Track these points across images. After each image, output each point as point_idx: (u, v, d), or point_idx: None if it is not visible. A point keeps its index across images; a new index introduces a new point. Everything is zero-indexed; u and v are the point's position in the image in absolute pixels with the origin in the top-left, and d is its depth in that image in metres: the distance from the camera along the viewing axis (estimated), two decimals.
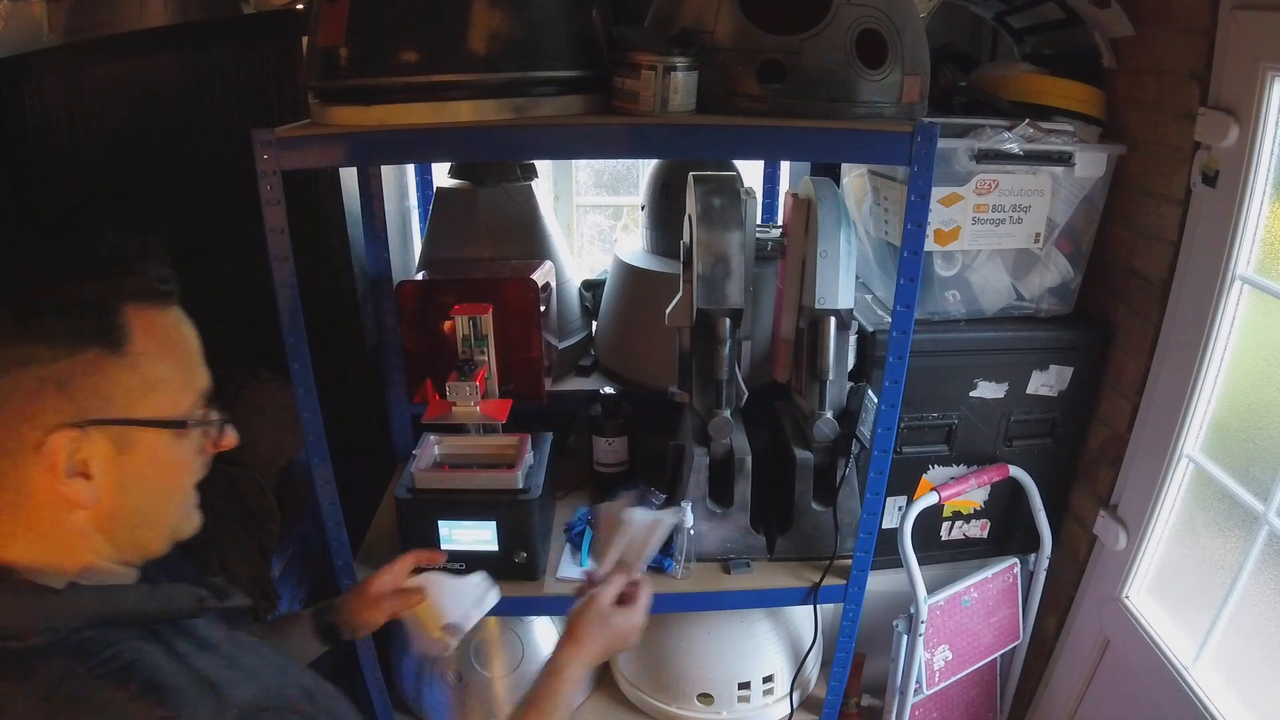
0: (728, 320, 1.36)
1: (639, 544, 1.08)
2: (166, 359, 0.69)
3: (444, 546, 1.38)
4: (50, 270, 0.65)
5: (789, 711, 1.62)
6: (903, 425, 1.55)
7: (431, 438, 1.47)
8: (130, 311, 0.67)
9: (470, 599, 1.09)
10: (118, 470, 0.67)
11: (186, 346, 0.72)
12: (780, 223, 1.71)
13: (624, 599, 1.05)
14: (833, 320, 1.37)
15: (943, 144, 1.21)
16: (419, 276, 1.70)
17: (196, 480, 0.75)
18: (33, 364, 0.62)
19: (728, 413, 1.40)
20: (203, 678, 0.65)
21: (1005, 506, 1.72)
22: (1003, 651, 1.79)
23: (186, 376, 0.71)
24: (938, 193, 1.43)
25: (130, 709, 0.61)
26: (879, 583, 1.62)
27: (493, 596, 1.11)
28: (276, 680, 0.72)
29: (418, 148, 1.26)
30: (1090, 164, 1.49)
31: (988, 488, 1.67)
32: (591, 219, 2.45)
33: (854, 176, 1.74)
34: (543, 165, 1.99)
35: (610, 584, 1.05)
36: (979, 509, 1.71)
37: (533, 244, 1.80)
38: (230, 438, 0.77)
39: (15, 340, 0.62)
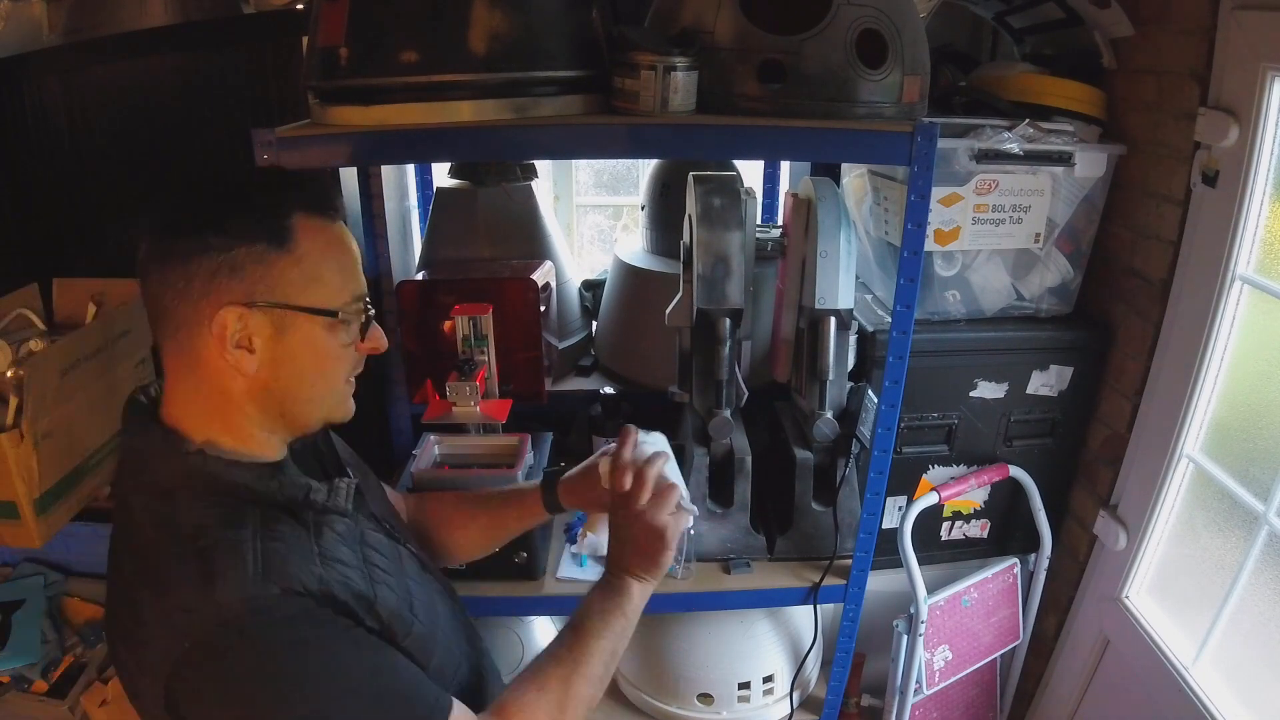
0: (728, 320, 1.36)
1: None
2: (326, 261, 0.81)
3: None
4: (234, 180, 0.82)
5: (789, 711, 1.62)
6: (903, 425, 1.55)
7: (431, 438, 1.47)
8: (299, 218, 0.79)
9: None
10: (275, 348, 0.79)
11: (346, 255, 0.83)
12: (780, 223, 1.71)
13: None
14: (833, 320, 1.37)
15: (943, 144, 1.21)
16: (419, 276, 1.70)
17: (348, 373, 0.86)
18: (213, 251, 0.76)
19: (728, 413, 1.40)
20: (268, 550, 0.74)
21: (1005, 506, 1.72)
22: (1003, 651, 1.80)
23: (343, 279, 0.82)
24: (938, 193, 1.43)
25: (184, 559, 0.73)
26: (879, 583, 1.61)
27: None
28: (354, 578, 0.80)
29: (418, 148, 1.26)
30: (1090, 164, 1.49)
31: (988, 488, 1.67)
32: (591, 219, 2.45)
33: (854, 176, 1.74)
34: (543, 165, 1.99)
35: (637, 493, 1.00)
36: (979, 509, 1.71)
37: (533, 244, 1.80)
38: (377, 339, 0.88)
39: (201, 231, 0.76)
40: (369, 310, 0.86)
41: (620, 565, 0.99)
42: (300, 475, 0.83)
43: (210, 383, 0.79)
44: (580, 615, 0.96)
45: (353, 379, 0.88)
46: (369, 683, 0.76)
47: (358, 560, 0.83)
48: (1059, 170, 1.48)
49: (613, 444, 1.05)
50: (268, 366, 0.79)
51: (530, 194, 1.83)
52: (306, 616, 0.73)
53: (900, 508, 1.64)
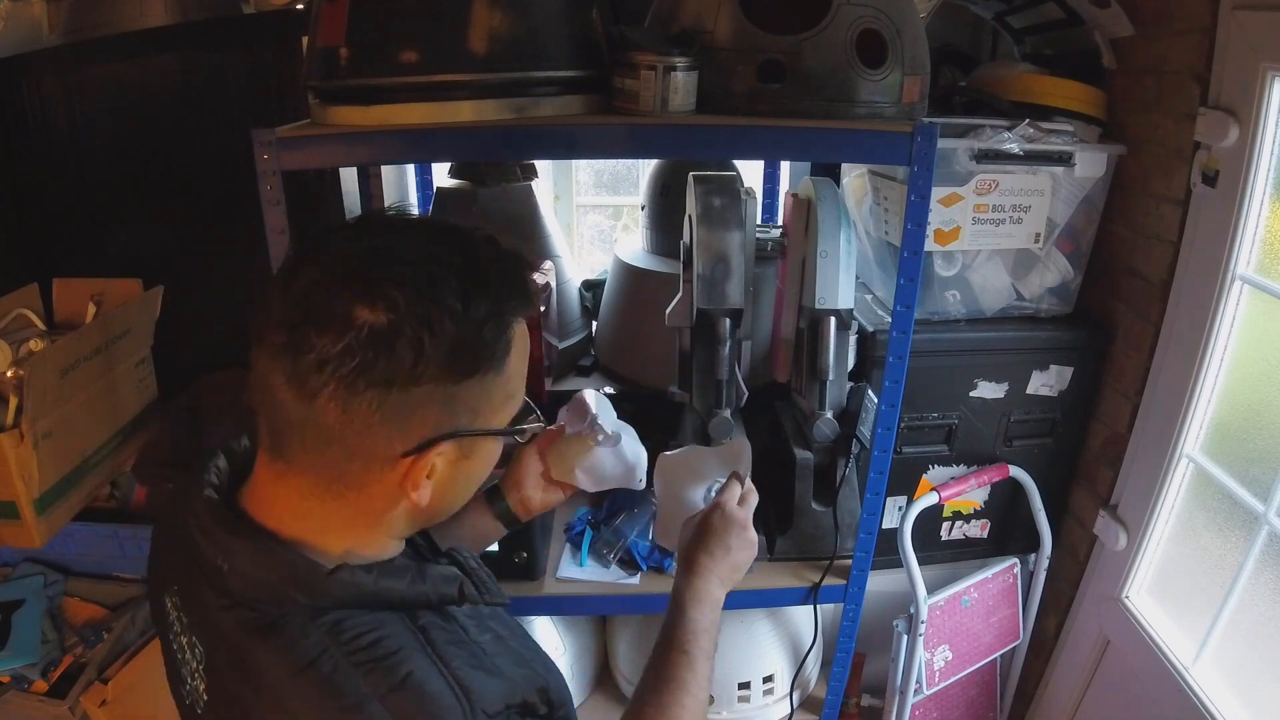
0: (728, 320, 1.36)
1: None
2: (522, 367, 0.70)
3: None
4: (464, 303, 0.62)
5: (789, 711, 1.62)
6: (903, 425, 1.55)
7: None
8: (516, 328, 0.67)
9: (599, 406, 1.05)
10: (456, 471, 0.68)
11: (528, 357, 0.71)
12: (780, 223, 1.71)
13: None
14: (833, 320, 1.37)
15: (943, 144, 1.21)
16: None
17: None
18: (426, 382, 0.62)
19: (728, 413, 1.40)
20: (457, 679, 0.64)
21: (1005, 506, 1.72)
22: (1003, 651, 1.79)
23: (523, 380, 0.71)
24: (938, 193, 1.43)
25: (378, 704, 0.60)
26: (879, 583, 1.61)
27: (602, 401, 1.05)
28: (517, 673, 0.71)
29: (418, 148, 1.26)
30: (1090, 164, 1.49)
31: (988, 488, 1.67)
32: (591, 219, 2.45)
33: (854, 176, 1.74)
34: (543, 165, 1.99)
35: (728, 490, 0.98)
36: (979, 509, 1.71)
37: (533, 244, 1.80)
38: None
39: (408, 367, 0.60)
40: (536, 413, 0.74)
41: (716, 574, 0.92)
42: (437, 564, 0.74)
43: (367, 507, 0.67)
44: (687, 634, 0.86)
45: None
46: None
47: (506, 644, 0.74)
48: (1059, 170, 1.48)
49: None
50: (442, 489, 0.68)
51: (530, 194, 1.83)
52: None
53: (900, 508, 1.64)
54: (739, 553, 0.94)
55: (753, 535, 0.96)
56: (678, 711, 0.80)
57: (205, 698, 0.68)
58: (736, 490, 0.99)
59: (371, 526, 0.69)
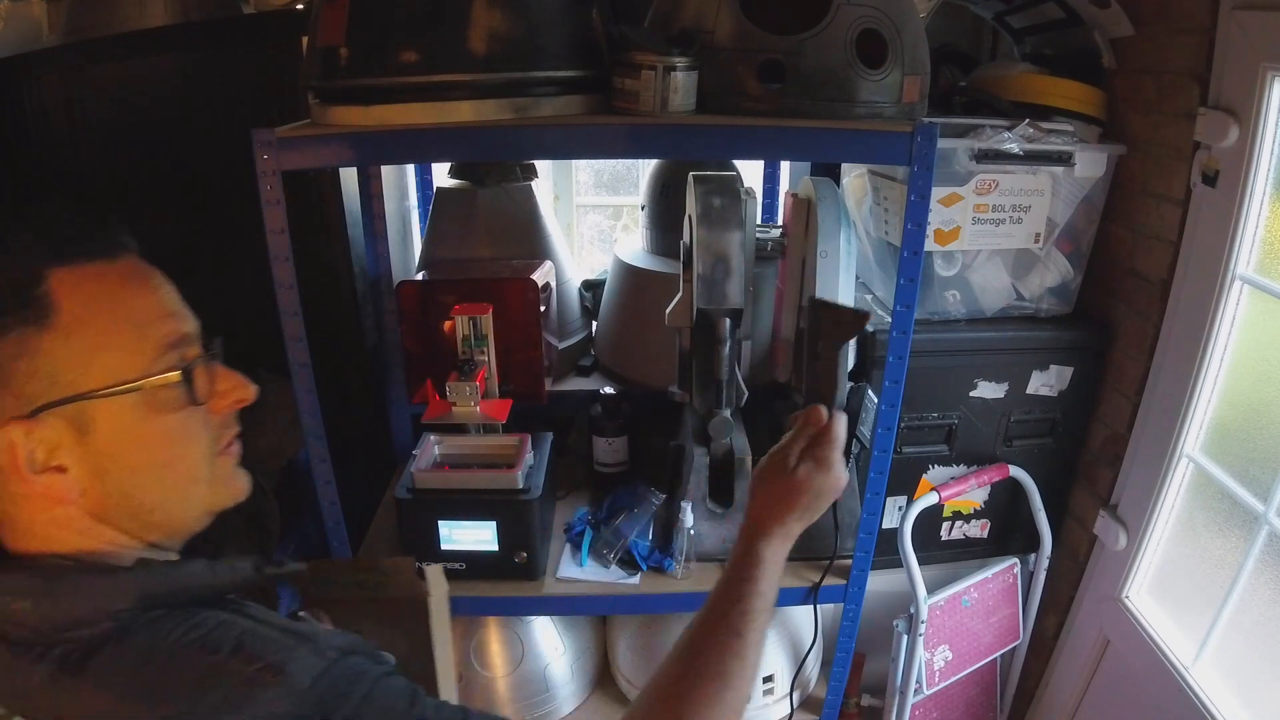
0: (728, 320, 1.36)
1: None
2: (105, 317, 0.61)
3: (444, 547, 1.38)
4: None
5: (789, 711, 1.62)
6: (903, 425, 1.55)
7: (431, 438, 1.47)
8: (54, 277, 0.59)
9: None
10: (88, 454, 0.61)
11: (134, 299, 0.63)
12: (780, 223, 1.71)
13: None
14: None
15: (943, 144, 1.21)
16: (419, 276, 1.70)
17: (209, 445, 0.67)
18: None
19: (728, 413, 1.40)
20: (287, 629, 0.63)
21: (1005, 506, 1.72)
22: (1003, 651, 1.79)
23: (136, 332, 0.62)
24: (938, 193, 1.43)
25: (228, 668, 0.58)
26: (879, 583, 1.61)
27: None
28: (351, 634, 0.69)
29: (418, 148, 1.26)
30: (1090, 164, 1.49)
31: (988, 488, 1.67)
32: (591, 219, 2.45)
33: (854, 176, 1.74)
34: (543, 165, 1.99)
35: (795, 438, 0.88)
36: (979, 509, 1.71)
37: (533, 244, 1.80)
38: (231, 387, 0.68)
39: None
40: (199, 354, 0.66)
41: (793, 536, 0.84)
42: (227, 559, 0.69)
43: (38, 519, 0.62)
44: (745, 612, 0.78)
45: (230, 448, 0.70)
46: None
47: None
48: (1059, 170, 1.48)
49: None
50: (91, 480, 0.61)
51: (530, 194, 1.83)
52: (361, 665, 0.64)
53: (900, 508, 1.64)
54: (825, 501, 0.86)
55: (833, 471, 0.85)
56: (719, 711, 0.72)
57: None
58: (803, 437, 0.88)
59: (73, 537, 0.63)
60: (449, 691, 0.93)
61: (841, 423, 0.88)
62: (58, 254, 0.60)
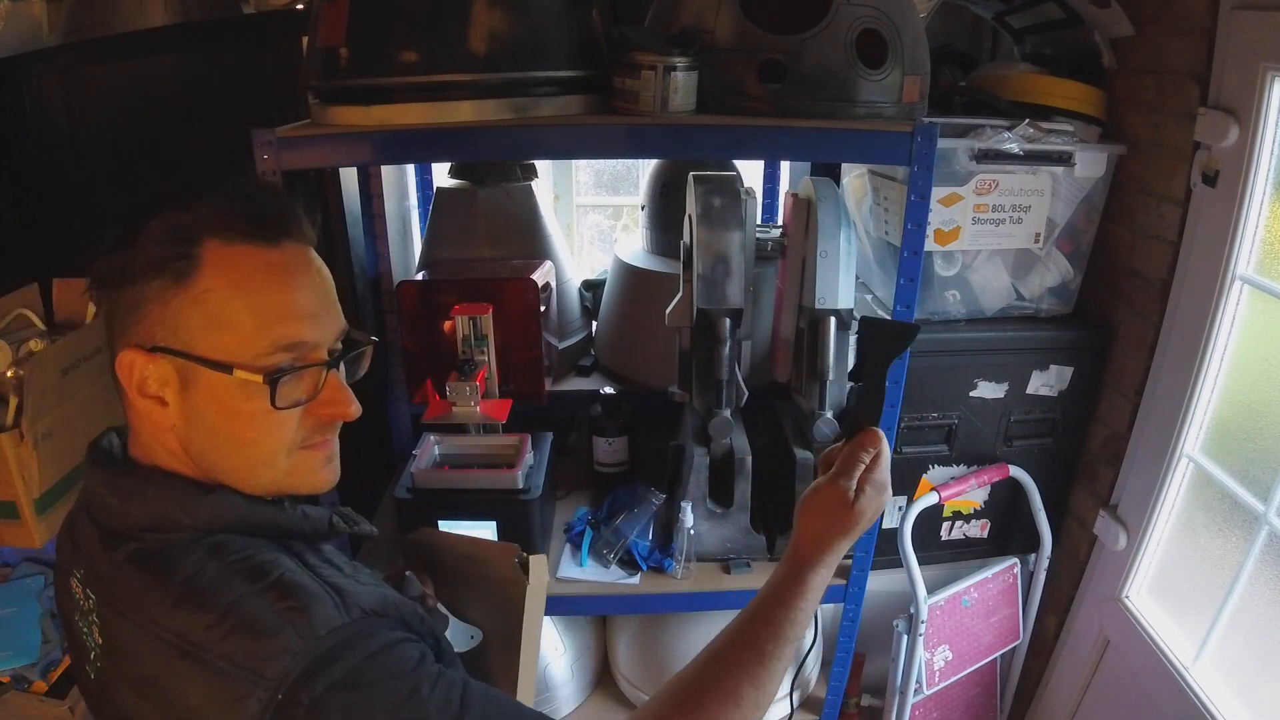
0: (728, 320, 1.36)
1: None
2: (236, 300, 0.66)
3: None
4: (151, 197, 0.68)
5: (789, 711, 1.62)
6: (903, 425, 1.55)
7: (431, 438, 1.47)
8: (208, 246, 0.66)
9: None
10: (185, 402, 0.68)
11: (276, 291, 0.67)
12: (780, 223, 1.71)
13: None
14: (833, 320, 1.37)
15: (943, 144, 1.21)
16: (419, 276, 1.70)
17: (289, 442, 0.71)
18: (123, 283, 0.66)
19: (728, 413, 1.40)
20: (328, 583, 0.67)
21: (1005, 506, 1.72)
22: (1003, 651, 1.79)
23: (259, 323, 0.66)
24: (938, 193, 1.43)
25: (258, 598, 0.63)
26: (879, 583, 1.61)
27: None
28: (392, 596, 0.73)
29: (418, 148, 1.26)
30: (1090, 164, 1.49)
31: (988, 488, 1.67)
32: (591, 219, 2.45)
33: (854, 176, 1.74)
34: (543, 165, 1.99)
35: (852, 464, 0.86)
36: (979, 509, 1.71)
37: (533, 244, 1.80)
38: (337, 403, 0.72)
39: (110, 257, 0.66)
40: (322, 360, 0.70)
41: (838, 558, 0.84)
42: (311, 506, 0.76)
43: (151, 430, 0.71)
44: (774, 631, 0.78)
45: (321, 445, 0.74)
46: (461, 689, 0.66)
47: (370, 578, 0.75)
48: (1059, 170, 1.48)
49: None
50: (183, 423, 0.69)
51: (530, 194, 1.83)
52: (384, 629, 0.67)
53: (900, 508, 1.64)
54: (874, 522, 0.86)
55: (881, 491, 0.86)
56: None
57: (99, 642, 0.69)
58: (854, 459, 0.86)
59: (185, 457, 0.71)
60: (529, 678, 0.93)
61: (887, 442, 0.89)
62: (219, 227, 0.67)
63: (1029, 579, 1.76)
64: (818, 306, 1.37)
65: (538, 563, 0.91)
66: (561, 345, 1.84)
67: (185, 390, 0.67)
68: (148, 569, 0.66)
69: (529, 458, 1.42)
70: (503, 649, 0.94)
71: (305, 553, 0.72)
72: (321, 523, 0.75)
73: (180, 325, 0.66)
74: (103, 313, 0.70)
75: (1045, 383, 1.61)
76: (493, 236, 1.77)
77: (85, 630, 0.72)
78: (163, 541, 0.67)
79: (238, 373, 0.66)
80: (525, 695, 0.92)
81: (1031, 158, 1.45)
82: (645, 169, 1.98)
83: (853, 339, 1.45)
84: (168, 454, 0.71)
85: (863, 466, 0.86)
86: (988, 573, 1.72)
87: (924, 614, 1.61)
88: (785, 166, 2.03)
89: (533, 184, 1.84)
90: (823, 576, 0.82)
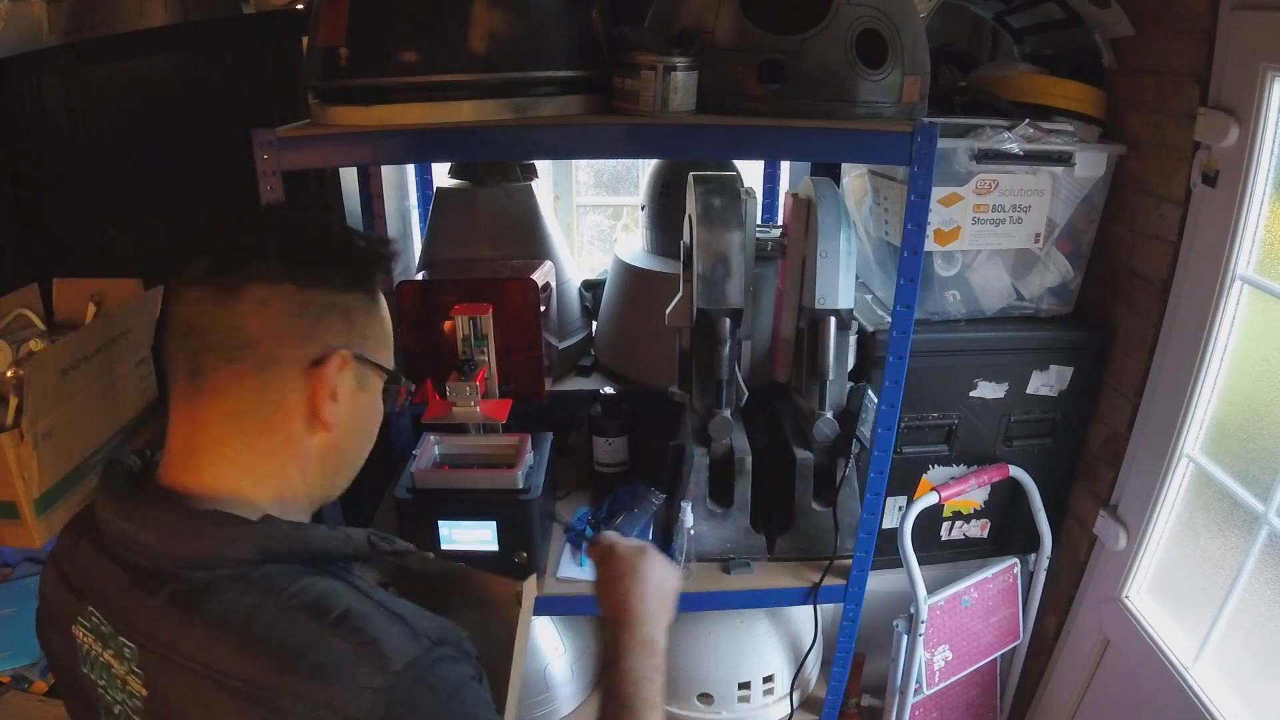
0: (728, 320, 1.36)
1: None
2: (386, 324, 0.78)
3: (444, 546, 1.38)
4: (321, 220, 0.77)
5: (789, 711, 1.62)
6: (903, 425, 1.55)
7: (431, 437, 1.47)
8: (380, 277, 0.77)
9: None
10: (353, 404, 0.73)
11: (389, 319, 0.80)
12: (780, 223, 1.71)
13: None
14: (833, 320, 1.37)
15: (943, 144, 1.21)
16: (419, 276, 1.70)
17: None
18: (328, 288, 0.71)
19: (728, 413, 1.40)
20: (388, 609, 0.66)
21: (1005, 506, 1.72)
22: (1003, 651, 1.80)
23: (389, 342, 0.79)
24: (938, 193, 1.43)
25: (328, 636, 0.62)
26: (879, 583, 1.61)
27: None
28: (444, 621, 0.72)
29: (418, 148, 1.26)
30: (1090, 164, 1.49)
31: (988, 488, 1.67)
32: (591, 219, 2.45)
33: (854, 176, 1.74)
34: (543, 165, 1.99)
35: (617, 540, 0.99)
36: (979, 509, 1.71)
37: (533, 244, 1.80)
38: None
39: (324, 260, 0.71)
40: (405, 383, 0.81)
41: (651, 618, 0.95)
42: (351, 528, 0.77)
43: (281, 435, 0.70)
44: (634, 688, 0.86)
45: None
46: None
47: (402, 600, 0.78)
48: (1059, 170, 1.48)
49: None
50: (344, 422, 0.72)
51: (530, 194, 1.83)
52: (451, 658, 0.68)
53: (900, 508, 1.64)
54: (669, 583, 0.98)
55: (662, 561, 0.98)
56: None
57: (143, 694, 0.66)
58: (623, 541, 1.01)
59: (287, 469, 0.71)
60: (514, 699, 0.94)
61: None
62: (385, 265, 0.78)
63: (1029, 579, 1.76)
64: (818, 306, 1.37)
65: (529, 587, 0.91)
66: (561, 345, 1.84)
67: (357, 394, 0.74)
68: (199, 612, 0.63)
69: (529, 458, 1.42)
70: (490, 670, 0.94)
71: (349, 575, 0.71)
72: (362, 544, 0.74)
73: (371, 336, 0.75)
74: (268, 314, 0.68)
75: (1045, 383, 1.61)
76: (493, 236, 1.77)
77: (105, 683, 0.69)
78: (207, 580, 0.65)
79: (403, 382, 0.78)
80: (511, 715, 0.93)
81: (1031, 158, 1.45)
82: (645, 169, 1.98)
83: (853, 339, 1.45)
84: (294, 464, 0.72)
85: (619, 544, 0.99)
86: (988, 573, 1.72)
87: (924, 614, 1.61)
88: (785, 166, 2.03)
89: (533, 184, 1.84)
90: (634, 638, 0.92)
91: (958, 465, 1.66)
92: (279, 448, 0.71)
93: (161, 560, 0.66)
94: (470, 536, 1.38)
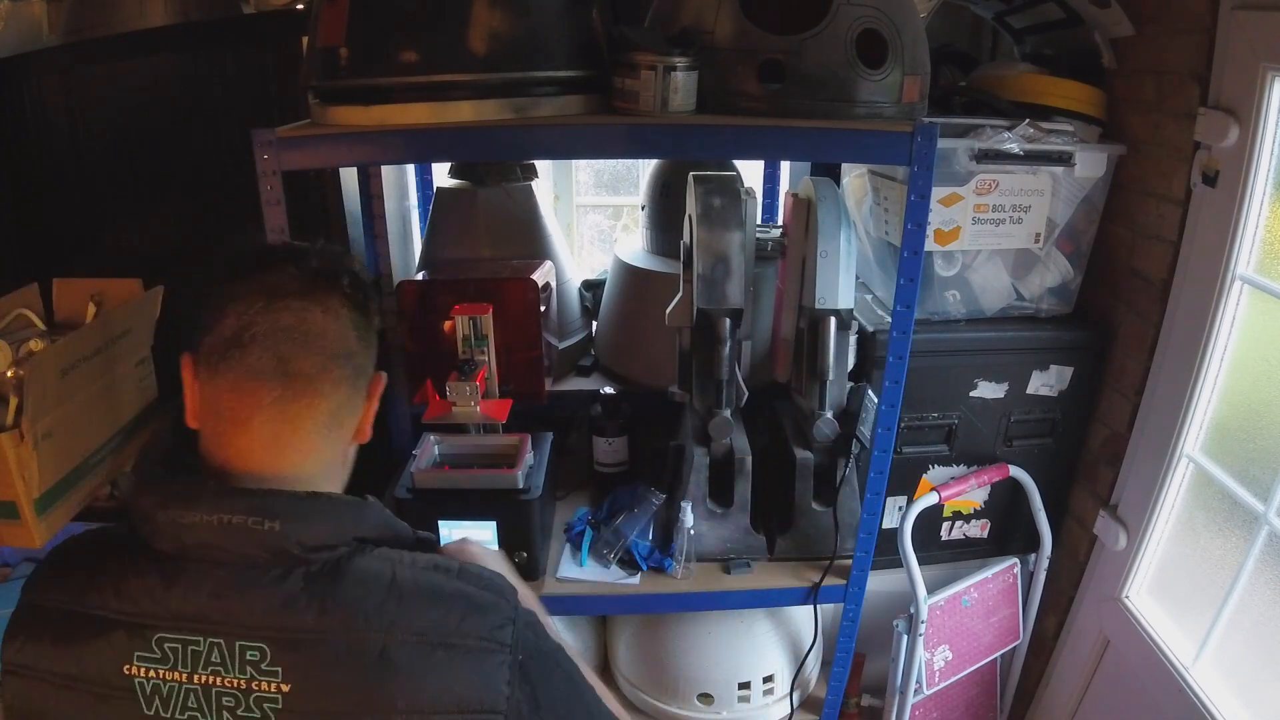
0: (728, 320, 1.36)
1: None
2: None
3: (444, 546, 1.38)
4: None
5: (789, 711, 1.62)
6: (903, 425, 1.55)
7: (431, 437, 1.47)
8: None
9: None
10: (370, 408, 0.82)
11: None
12: (780, 223, 1.71)
13: None
14: (833, 320, 1.37)
15: (943, 144, 1.21)
16: (419, 276, 1.70)
17: None
18: (372, 314, 0.81)
19: (728, 413, 1.40)
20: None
21: (1005, 506, 1.72)
22: (1003, 651, 1.79)
23: None
24: (938, 193, 1.43)
25: (463, 583, 0.72)
26: (879, 583, 1.61)
27: None
28: None
29: (418, 148, 1.26)
30: (1090, 164, 1.49)
31: (988, 488, 1.67)
32: (591, 219, 2.45)
33: (854, 176, 1.74)
34: (543, 165, 1.99)
35: None
36: (979, 509, 1.71)
37: (533, 244, 1.80)
38: None
39: (367, 289, 0.80)
40: None
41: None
42: None
43: (345, 440, 0.80)
44: None
45: None
46: None
47: None
48: (1059, 170, 1.48)
49: None
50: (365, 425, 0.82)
51: (530, 194, 1.83)
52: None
53: (900, 508, 1.64)
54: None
55: None
56: None
57: (286, 690, 0.66)
58: None
59: (343, 467, 0.81)
60: None
61: None
62: None
63: (1029, 579, 1.76)
64: (818, 306, 1.37)
65: None
66: (561, 345, 1.84)
67: (370, 404, 0.82)
68: (344, 579, 0.69)
69: (529, 458, 1.42)
70: None
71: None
72: (409, 532, 0.81)
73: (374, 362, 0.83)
74: (365, 330, 0.78)
75: (1045, 383, 1.61)
76: (493, 236, 1.77)
77: (199, 709, 0.66)
78: (330, 558, 0.70)
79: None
80: None
81: (1031, 158, 1.45)
82: (645, 169, 1.98)
83: (853, 339, 1.45)
84: (341, 465, 0.81)
85: None
86: (988, 573, 1.72)
87: (924, 614, 1.61)
88: (785, 166, 2.03)
89: (533, 184, 1.84)
90: None
91: (958, 465, 1.66)
92: (341, 450, 0.79)
93: (287, 545, 0.68)
94: (470, 536, 1.38)
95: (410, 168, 1.97)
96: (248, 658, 0.66)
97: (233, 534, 0.67)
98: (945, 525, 1.71)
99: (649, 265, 1.77)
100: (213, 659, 0.66)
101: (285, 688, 0.66)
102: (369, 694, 0.66)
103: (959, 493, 1.63)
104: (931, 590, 1.64)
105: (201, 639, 0.66)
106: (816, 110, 1.16)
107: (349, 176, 1.65)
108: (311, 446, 0.75)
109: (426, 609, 0.69)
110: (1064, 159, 1.47)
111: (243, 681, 0.66)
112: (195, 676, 0.66)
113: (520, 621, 0.73)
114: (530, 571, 1.42)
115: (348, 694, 0.66)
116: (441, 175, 1.90)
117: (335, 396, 0.75)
